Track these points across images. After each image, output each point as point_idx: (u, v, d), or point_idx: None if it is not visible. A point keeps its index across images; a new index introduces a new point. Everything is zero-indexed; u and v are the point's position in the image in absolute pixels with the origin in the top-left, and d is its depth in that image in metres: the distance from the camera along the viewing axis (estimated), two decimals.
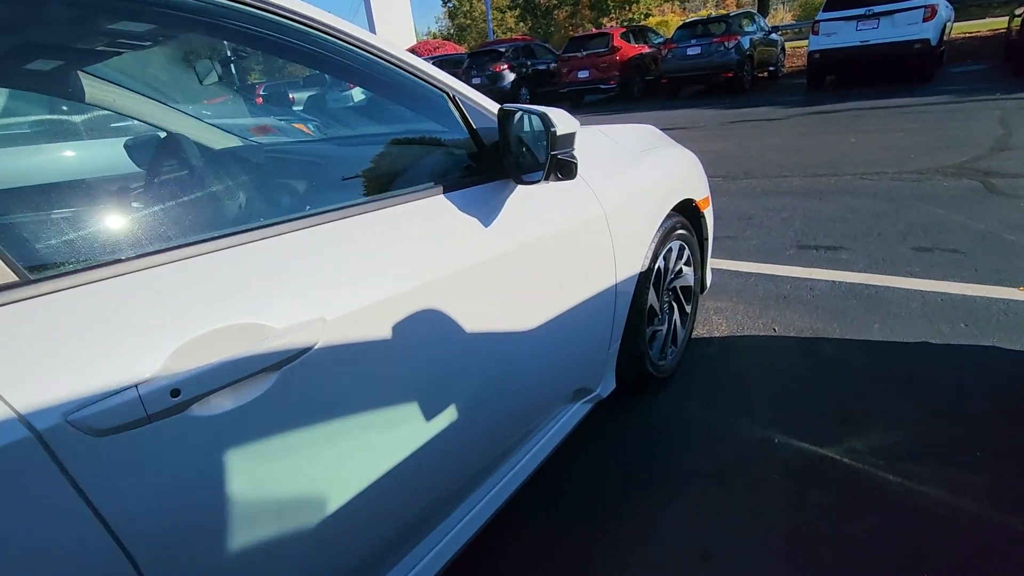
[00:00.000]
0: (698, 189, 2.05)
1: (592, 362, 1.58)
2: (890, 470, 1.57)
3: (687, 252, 2.05)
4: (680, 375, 2.10)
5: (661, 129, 2.19)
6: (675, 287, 2.07)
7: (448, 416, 1.09)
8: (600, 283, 1.48)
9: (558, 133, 1.09)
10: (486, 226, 1.15)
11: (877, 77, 9.83)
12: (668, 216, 1.84)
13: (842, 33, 9.27)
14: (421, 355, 1.02)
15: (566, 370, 1.49)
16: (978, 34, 14.61)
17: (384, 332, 0.93)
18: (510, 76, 13.65)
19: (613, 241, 1.49)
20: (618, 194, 1.51)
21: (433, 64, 1.17)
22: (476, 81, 13.65)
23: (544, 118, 1.10)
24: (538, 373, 1.38)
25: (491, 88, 13.58)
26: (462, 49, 23.78)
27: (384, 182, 1.20)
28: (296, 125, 3.70)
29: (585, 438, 1.83)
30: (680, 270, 2.08)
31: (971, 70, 9.76)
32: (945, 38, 9.78)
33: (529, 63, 14.24)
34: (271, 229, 0.87)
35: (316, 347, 0.83)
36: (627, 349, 1.75)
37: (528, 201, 1.27)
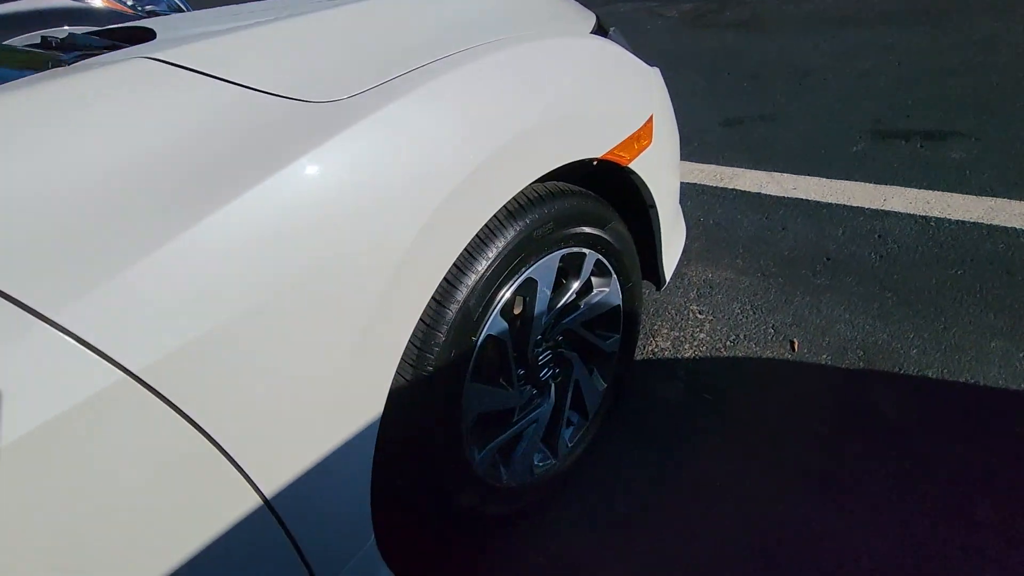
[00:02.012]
0: (612, 126, 0.92)
1: None
2: None
3: (594, 258, 0.99)
4: (583, 474, 1.17)
5: None
6: (570, 329, 1.05)
7: None
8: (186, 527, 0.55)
9: None
10: None
11: None
12: (504, 220, 0.79)
13: None
14: None
15: None
16: None
17: None
18: None
19: (207, 423, 0.52)
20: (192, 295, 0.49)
21: None
22: None
23: None
24: None
25: None
26: None
27: None
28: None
29: None
30: (586, 287, 1.04)
31: None
32: None
33: None
34: None
35: None
36: (412, 523, 0.85)
37: None
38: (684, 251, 1.64)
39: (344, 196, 0.58)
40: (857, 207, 1.66)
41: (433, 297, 0.74)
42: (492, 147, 0.71)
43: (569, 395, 1.09)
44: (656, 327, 1.45)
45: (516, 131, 0.73)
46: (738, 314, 1.43)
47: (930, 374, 1.17)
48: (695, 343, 1.38)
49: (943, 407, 1.11)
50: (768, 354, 1.31)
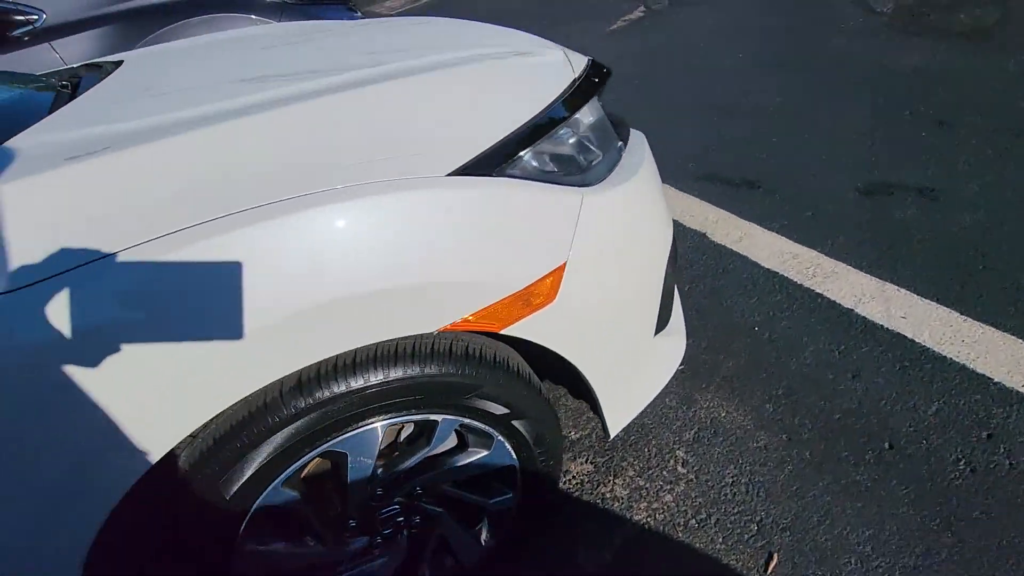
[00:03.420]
0: (463, 295, 0.71)
1: None
2: None
3: (454, 423, 0.81)
4: None
5: None
6: (422, 491, 0.89)
7: None
8: None
9: None
10: None
11: None
12: (285, 397, 0.67)
13: None
14: None
15: None
16: None
17: None
18: None
19: None
20: None
21: None
22: None
23: None
24: None
25: None
26: None
27: None
28: None
29: None
30: (460, 444, 0.87)
31: None
32: None
33: None
34: None
35: None
36: None
37: None
38: (713, 369, 1.32)
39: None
40: (982, 375, 1.15)
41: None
42: (244, 330, 0.59)
43: (429, 549, 0.95)
44: (624, 464, 1.20)
45: (282, 314, 0.60)
46: (727, 485, 1.11)
47: None
48: (654, 507, 1.11)
49: None
50: (731, 561, 1.00)
